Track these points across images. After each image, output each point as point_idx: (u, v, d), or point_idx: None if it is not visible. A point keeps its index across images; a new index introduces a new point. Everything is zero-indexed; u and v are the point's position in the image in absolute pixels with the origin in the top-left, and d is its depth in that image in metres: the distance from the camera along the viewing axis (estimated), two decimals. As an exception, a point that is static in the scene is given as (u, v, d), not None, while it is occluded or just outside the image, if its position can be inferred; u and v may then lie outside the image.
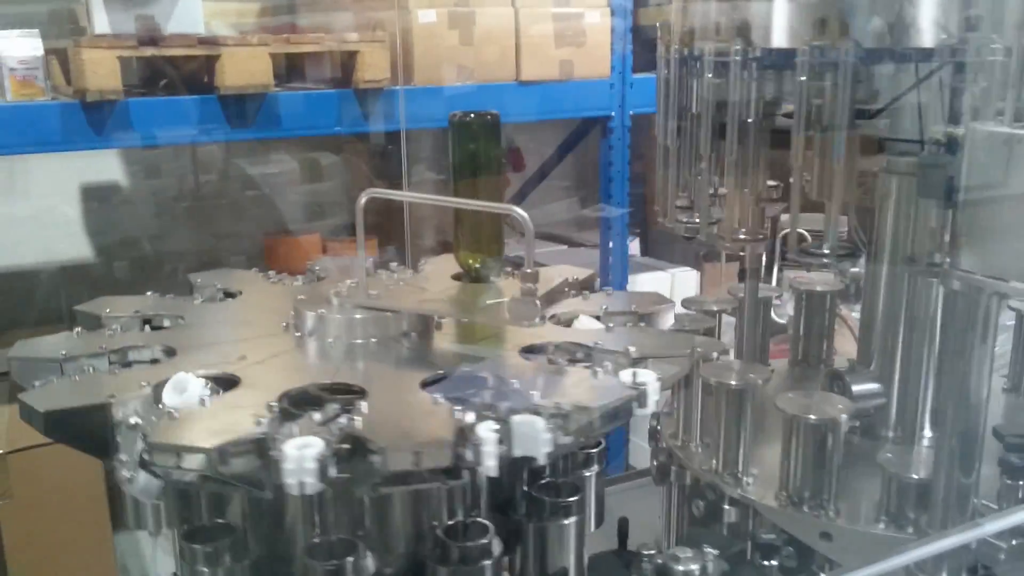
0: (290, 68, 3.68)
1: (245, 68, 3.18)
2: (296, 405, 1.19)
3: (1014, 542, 1.48)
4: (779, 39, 1.71)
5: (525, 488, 1.40)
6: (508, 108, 3.92)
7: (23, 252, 4.30)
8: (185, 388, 1.16)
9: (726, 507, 1.90)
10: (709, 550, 1.25)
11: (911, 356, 1.84)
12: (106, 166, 4.57)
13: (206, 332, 1.52)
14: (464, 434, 1.09)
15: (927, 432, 1.89)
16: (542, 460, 1.12)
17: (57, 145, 3.13)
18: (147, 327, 1.57)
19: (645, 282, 4.85)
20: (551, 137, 5.17)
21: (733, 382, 1.84)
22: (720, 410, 1.88)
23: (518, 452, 1.11)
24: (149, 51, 3.11)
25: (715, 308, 2.21)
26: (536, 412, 1.12)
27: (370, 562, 1.24)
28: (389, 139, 5.20)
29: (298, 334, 1.45)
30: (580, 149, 5.14)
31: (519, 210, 1.34)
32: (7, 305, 4.03)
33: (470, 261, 1.64)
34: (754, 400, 1.85)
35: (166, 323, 1.57)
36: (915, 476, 1.59)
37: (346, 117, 3.46)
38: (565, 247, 5.41)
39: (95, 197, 4.59)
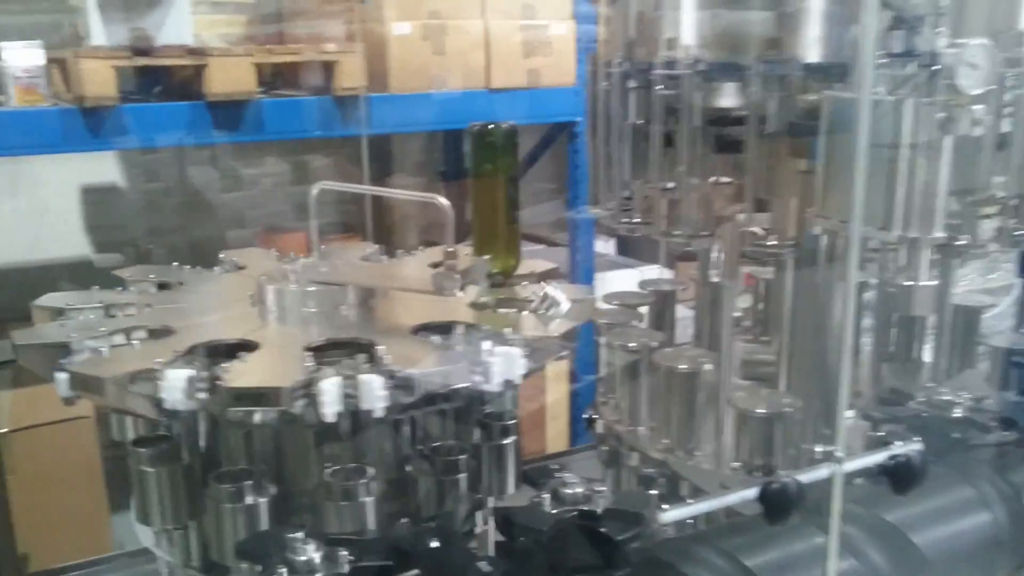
0: (276, 76, 3.94)
1: (231, 76, 3.45)
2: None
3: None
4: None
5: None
6: (479, 114, 4.20)
7: (25, 248, 4.56)
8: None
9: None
10: (601, 487, 1.50)
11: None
12: (106, 168, 4.86)
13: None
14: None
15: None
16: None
17: (58, 147, 3.40)
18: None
19: (614, 279, 5.10)
20: (526, 141, 5.44)
21: (682, 367, 2.05)
22: (670, 392, 2.09)
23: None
24: (142, 61, 3.37)
25: (633, 302, 2.48)
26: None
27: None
28: (376, 143, 5.50)
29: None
30: (554, 153, 5.40)
31: (441, 199, 1.60)
32: (10, 299, 4.27)
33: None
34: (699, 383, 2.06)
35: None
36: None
37: (326, 122, 3.72)
38: (542, 246, 5.68)
39: (93, 197, 4.86)
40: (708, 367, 1.89)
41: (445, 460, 1.55)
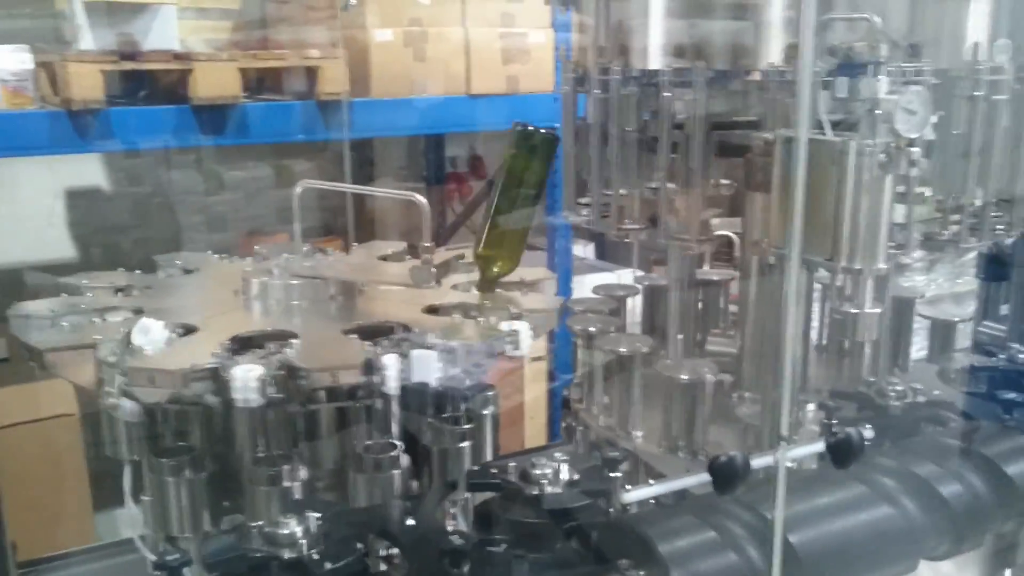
0: (261, 81, 4.02)
1: (216, 81, 3.53)
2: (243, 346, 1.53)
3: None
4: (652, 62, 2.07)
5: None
6: (459, 119, 4.31)
7: (11, 249, 4.61)
8: (149, 330, 1.50)
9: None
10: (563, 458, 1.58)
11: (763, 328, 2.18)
12: (93, 171, 4.92)
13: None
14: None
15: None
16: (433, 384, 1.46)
17: (45, 149, 3.46)
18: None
19: (592, 282, 5.20)
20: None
21: (623, 350, 2.18)
22: (614, 375, 2.23)
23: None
24: (128, 65, 3.45)
25: (621, 293, 2.58)
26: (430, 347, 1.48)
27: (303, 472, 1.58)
28: (360, 148, 5.60)
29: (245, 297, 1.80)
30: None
31: (419, 197, 1.69)
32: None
33: (488, 264, 1.80)
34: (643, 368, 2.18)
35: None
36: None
37: (308, 126, 3.81)
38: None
39: (79, 199, 4.92)
40: (645, 350, 1.99)
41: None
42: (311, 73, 3.80)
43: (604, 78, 2.17)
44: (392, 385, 1.47)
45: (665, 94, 2.03)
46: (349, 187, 1.75)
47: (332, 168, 5.67)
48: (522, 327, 1.61)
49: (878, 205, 1.60)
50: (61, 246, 4.92)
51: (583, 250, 6.07)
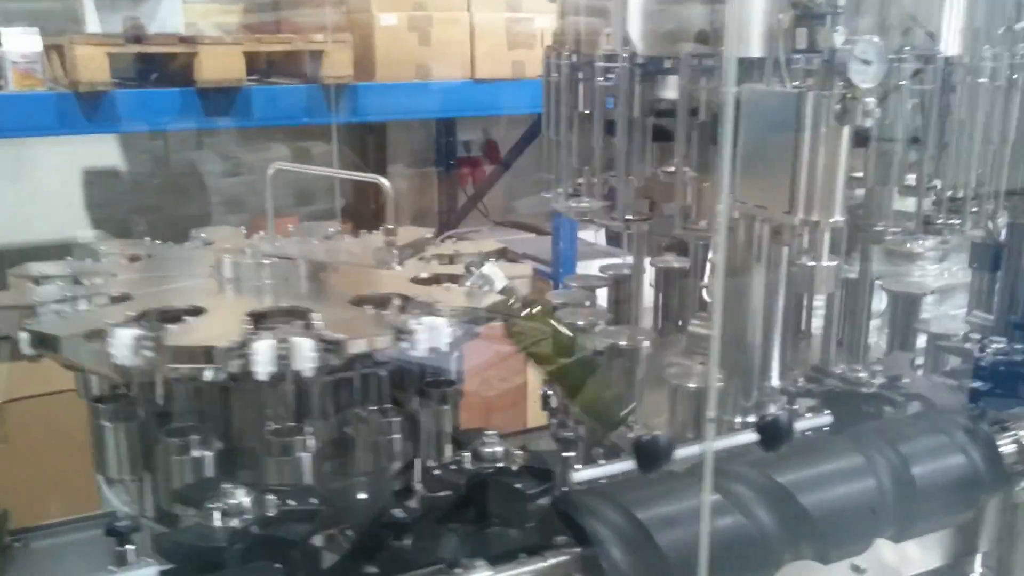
0: (271, 64, 4.08)
1: (220, 64, 3.58)
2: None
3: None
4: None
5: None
6: (464, 104, 4.34)
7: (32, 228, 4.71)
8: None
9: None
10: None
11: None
12: (107, 152, 5.00)
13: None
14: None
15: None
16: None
17: (54, 130, 3.54)
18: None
19: (597, 267, 5.22)
20: (512, 132, 5.59)
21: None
22: None
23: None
24: (135, 48, 3.51)
25: (594, 284, 2.60)
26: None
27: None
28: (374, 132, 5.66)
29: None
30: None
31: (383, 180, 1.73)
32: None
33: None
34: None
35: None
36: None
37: (312, 109, 3.85)
38: (532, 235, 5.80)
39: (92, 179, 5.01)
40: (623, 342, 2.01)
41: (379, 421, 1.69)
42: (316, 57, 3.84)
43: (581, 63, 2.18)
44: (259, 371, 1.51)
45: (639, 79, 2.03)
46: (319, 169, 1.81)
47: (349, 152, 5.74)
48: (492, 269, 1.65)
49: (835, 157, 1.60)
50: (80, 225, 5.02)
51: (593, 235, 6.09)
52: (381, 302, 1.70)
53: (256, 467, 1.67)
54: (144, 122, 3.63)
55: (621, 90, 2.01)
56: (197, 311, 1.66)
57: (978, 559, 2.23)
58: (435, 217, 5.80)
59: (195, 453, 1.62)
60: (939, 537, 1.98)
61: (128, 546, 1.39)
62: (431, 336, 1.57)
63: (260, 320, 1.62)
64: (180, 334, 1.55)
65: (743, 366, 1.90)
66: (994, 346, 2.11)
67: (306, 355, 1.49)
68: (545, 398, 2.54)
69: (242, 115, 3.71)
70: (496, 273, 1.82)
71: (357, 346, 1.53)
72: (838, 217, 1.63)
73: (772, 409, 1.76)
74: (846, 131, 1.60)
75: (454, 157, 5.88)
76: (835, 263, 1.66)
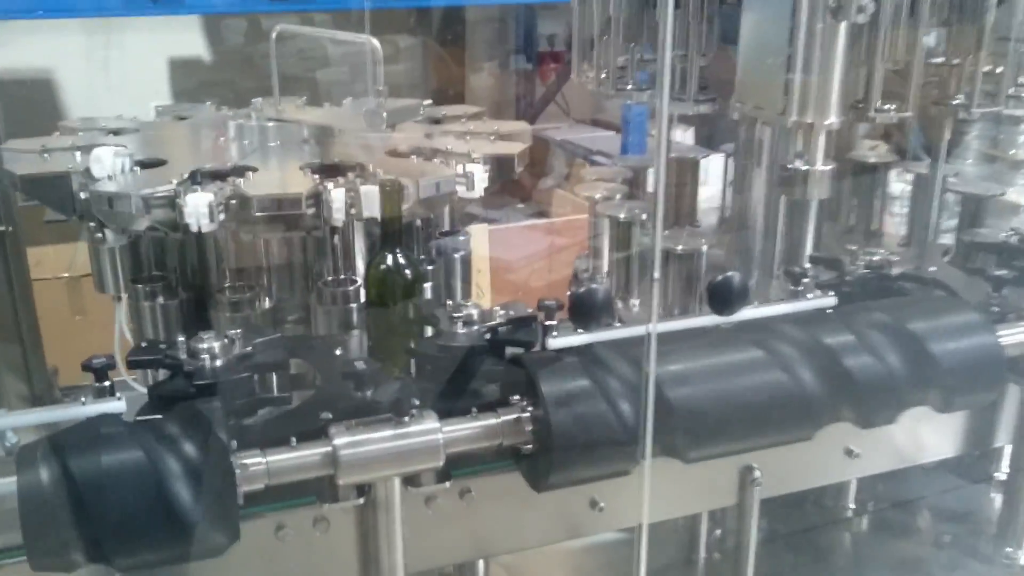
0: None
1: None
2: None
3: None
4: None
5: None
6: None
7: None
8: (100, 160, 1.60)
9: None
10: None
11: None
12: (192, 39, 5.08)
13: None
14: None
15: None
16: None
17: (118, 11, 3.61)
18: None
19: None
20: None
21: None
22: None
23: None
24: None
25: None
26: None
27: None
28: (453, 22, 5.59)
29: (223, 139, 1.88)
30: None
31: (374, 41, 1.71)
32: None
33: None
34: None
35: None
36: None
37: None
38: (613, 133, 5.69)
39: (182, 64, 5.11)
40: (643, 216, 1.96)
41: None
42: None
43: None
44: (337, 217, 1.53)
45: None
46: (320, 31, 1.81)
47: (433, 44, 5.70)
48: (476, 168, 1.63)
49: (830, 56, 1.51)
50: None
51: (682, 135, 5.93)
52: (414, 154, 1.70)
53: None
54: (208, 4, 3.66)
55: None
56: (246, 169, 1.67)
57: (1005, 458, 2.15)
58: (513, 113, 5.74)
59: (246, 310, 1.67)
60: (954, 427, 1.90)
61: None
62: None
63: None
64: (257, 186, 1.57)
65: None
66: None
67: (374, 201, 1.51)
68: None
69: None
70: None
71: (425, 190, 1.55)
72: (833, 119, 1.55)
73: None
74: (842, 28, 1.51)
75: (535, 50, 5.78)
76: (829, 167, 1.58)
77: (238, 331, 1.46)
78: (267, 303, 1.74)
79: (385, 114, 1.70)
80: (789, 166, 1.59)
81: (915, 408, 1.60)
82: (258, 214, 1.52)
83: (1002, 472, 2.16)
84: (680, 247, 1.85)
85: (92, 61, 4.73)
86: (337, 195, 1.53)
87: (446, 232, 1.92)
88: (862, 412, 1.50)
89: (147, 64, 4.95)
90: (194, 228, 1.49)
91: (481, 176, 1.65)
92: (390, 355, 1.58)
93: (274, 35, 1.84)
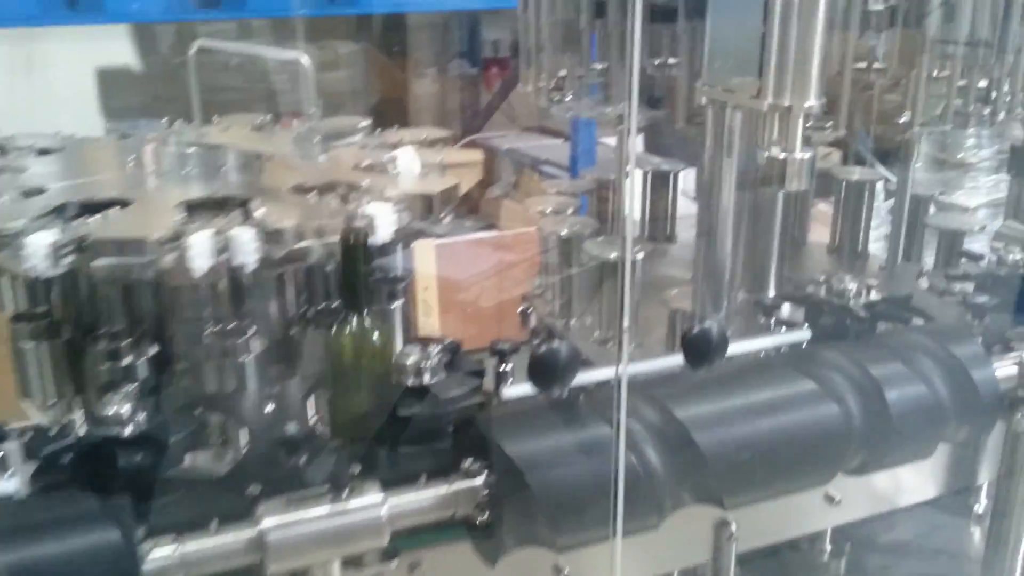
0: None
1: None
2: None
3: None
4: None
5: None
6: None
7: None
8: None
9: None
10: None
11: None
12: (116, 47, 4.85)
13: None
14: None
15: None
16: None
17: (38, 20, 3.40)
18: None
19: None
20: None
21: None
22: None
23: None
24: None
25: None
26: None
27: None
28: (395, 30, 5.42)
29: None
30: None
31: (305, 56, 1.54)
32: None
33: None
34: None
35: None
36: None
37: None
38: (560, 141, 5.55)
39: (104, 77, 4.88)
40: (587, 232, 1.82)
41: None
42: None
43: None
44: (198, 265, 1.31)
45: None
46: (241, 47, 1.64)
47: (375, 52, 5.52)
48: (382, 209, 1.44)
49: (810, 34, 1.37)
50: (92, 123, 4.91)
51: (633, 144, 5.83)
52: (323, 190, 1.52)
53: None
54: (132, 12, 3.46)
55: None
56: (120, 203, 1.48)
57: (983, 491, 2.06)
58: (458, 120, 5.59)
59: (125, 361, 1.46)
60: (935, 467, 1.80)
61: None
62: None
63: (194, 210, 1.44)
64: (105, 226, 1.37)
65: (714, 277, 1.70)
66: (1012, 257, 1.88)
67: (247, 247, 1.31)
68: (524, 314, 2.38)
69: (234, 6, 3.52)
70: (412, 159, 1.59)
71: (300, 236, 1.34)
72: (812, 102, 1.41)
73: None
74: (823, 4, 1.37)
75: (479, 57, 5.64)
76: (809, 154, 1.44)
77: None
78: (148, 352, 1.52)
79: (318, 138, 1.53)
80: (765, 154, 1.43)
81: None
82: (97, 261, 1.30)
83: (980, 504, 2.06)
84: (613, 255, 1.70)
85: (12, 75, 4.50)
86: (197, 240, 1.30)
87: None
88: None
89: (71, 78, 4.73)
90: (32, 273, 1.29)
91: (388, 219, 1.45)
92: (351, 426, 1.40)
93: (192, 52, 1.66)
